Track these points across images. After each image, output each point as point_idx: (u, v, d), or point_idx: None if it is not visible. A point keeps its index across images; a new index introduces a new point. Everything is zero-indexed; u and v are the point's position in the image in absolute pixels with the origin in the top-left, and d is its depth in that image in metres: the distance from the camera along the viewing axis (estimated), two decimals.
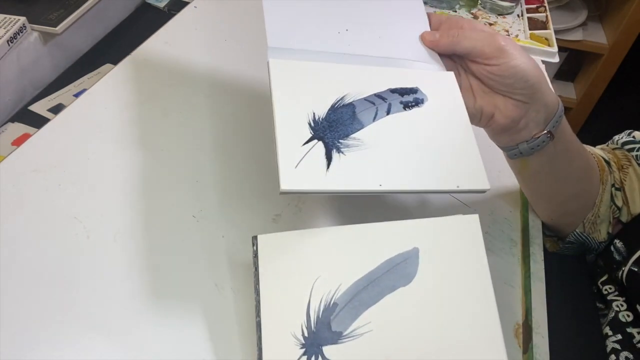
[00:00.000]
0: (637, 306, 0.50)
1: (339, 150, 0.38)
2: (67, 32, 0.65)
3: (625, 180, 0.54)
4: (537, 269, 0.53)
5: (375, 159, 0.38)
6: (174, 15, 0.72)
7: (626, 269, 0.51)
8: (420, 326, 0.36)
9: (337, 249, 0.38)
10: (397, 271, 0.37)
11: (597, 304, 0.56)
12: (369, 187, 0.37)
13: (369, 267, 0.37)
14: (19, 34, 0.61)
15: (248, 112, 0.61)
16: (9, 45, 0.60)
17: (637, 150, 0.55)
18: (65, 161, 0.54)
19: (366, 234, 0.38)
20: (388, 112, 0.41)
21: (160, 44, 0.67)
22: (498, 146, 0.49)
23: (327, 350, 0.35)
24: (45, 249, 0.47)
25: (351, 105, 0.41)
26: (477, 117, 0.45)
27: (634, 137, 0.56)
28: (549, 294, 0.51)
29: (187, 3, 0.76)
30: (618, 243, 0.54)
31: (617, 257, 0.54)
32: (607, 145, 0.59)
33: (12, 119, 0.62)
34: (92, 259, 0.47)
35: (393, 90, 0.42)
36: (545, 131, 0.45)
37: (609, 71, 1.43)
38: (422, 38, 0.47)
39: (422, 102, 0.42)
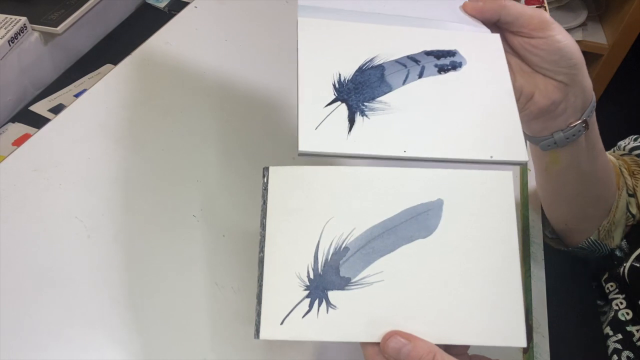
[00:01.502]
0: (639, 302, 0.50)
1: (362, 113, 0.36)
2: (67, 32, 0.65)
3: (637, 187, 0.54)
4: (537, 268, 0.53)
5: (402, 123, 0.36)
6: (174, 15, 0.72)
7: (628, 264, 0.51)
8: (434, 282, 0.34)
9: (355, 190, 0.35)
10: (417, 222, 0.35)
11: (598, 301, 0.56)
12: (392, 153, 0.35)
13: (387, 213, 0.35)
14: (19, 34, 0.61)
15: (248, 111, 0.61)
16: (9, 45, 0.60)
17: None
18: (65, 161, 0.54)
19: (388, 178, 0.35)
20: (420, 76, 0.38)
21: (160, 44, 0.67)
22: (529, 137, 0.47)
23: (333, 295, 0.34)
24: (45, 249, 0.47)
25: (380, 67, 0.39)
26: (515, 98, 0.44)
27: None
28: (549, 294, 0.51)
29: (187, 3, 0.76)
30: (621, 242, 0.54)
31: (618, 253, 0.54)
32: (614, 152, 0.59)
33: (13, 119, 0.62)
34: (92, 259, 0.47)
35: (428, 53, 0.40)
36: (581, 120, 0.43)
37: (609, 71, 1.43)
38: (465, 7, 0.44)
39: (460, 66, 0.39)
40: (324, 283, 0.34)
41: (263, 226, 0.35)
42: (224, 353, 0.43)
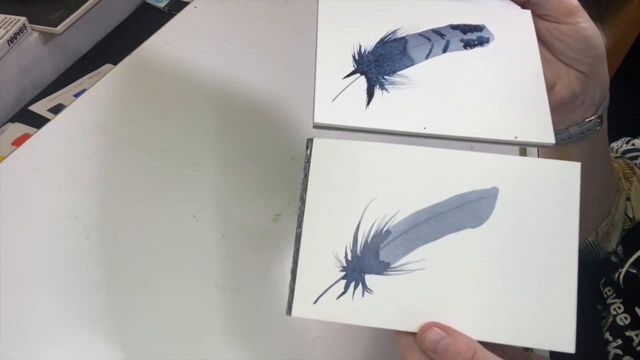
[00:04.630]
0: (636, 309, 0.50)
1: (382, 87, 0.35)
2: (67, 32, 0.65)
3: (630, 190, 0.54)
4: None
5: (422, 99, 0.35)
6: (174, 15, 0.72)
7: (623, 270, 0.51)
8: (480, 275, 0.32)
9: (403, 170, 0.33)
10: (468, 210, 0.32)
11: (597, 306, 0.56)
12: (410, 129, 0.34)
13: (436, 198, 0.32)
14: (19, 34, 0.61)
15: (248, 111, 0.61)
16: (9, 45, 0.60)
17: None
18: (65, 161, 0.54)
19: (440, 161, 0.33)
20: (445, 50, 0.37)
21: (160, 44, 0.67)
22: None
23: (370, 279, 0.32)
24: (44, 249, 0.47)
25: (403, 39, 0.37)
26: None
27: (633, 144, 0.56)
28: None
29: (187, 3, 0.76)
30: (617, 247, 0.54)
31: (614, 259, 0.54)
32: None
33: (12, 119, 0.62)
34: (92, 259, 0.47)
35: (454, 27, 0.38)
36: (596, 115, 0.42)
37: (609, 71, 1.43)
38: None
39: (487, 42, 0.38)
40: (361, 266, 0.32)
41: (303, 201, 0.33)
42: (223, 353, 0.43)
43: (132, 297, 0.45)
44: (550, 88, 0.41)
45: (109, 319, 0.43)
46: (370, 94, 0.35)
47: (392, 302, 0.32)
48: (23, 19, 0.62)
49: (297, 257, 0.32)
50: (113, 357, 0.41)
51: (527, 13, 0.39)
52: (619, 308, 0.52)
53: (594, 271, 0.58)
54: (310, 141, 0.34)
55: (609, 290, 0.54)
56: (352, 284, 0.32)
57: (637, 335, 0.49)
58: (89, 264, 0.46)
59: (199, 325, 0.44)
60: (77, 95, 0.63)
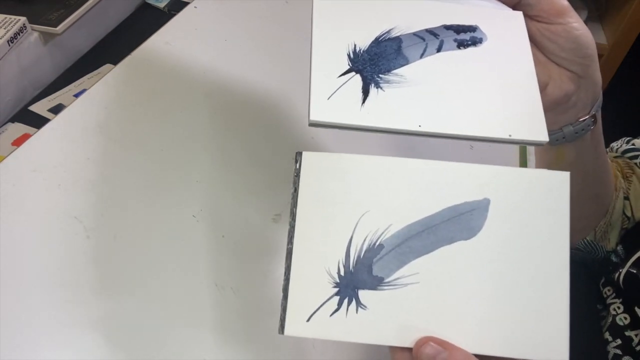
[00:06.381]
0: (636, 309, 0.50)
1: (377, 85, 0.35)
2: (67, 32, 0.65)
3: (629, 189, 0.54)
4: None
5: (418, 97, 0.35)
6: (174, 15, 0.72)
7: (624, 270, 0.51)
8: (474, 287, 0.32)
9: (395, 183, 0.33)
10: (460, 222, 0.32)
11: (597, 305, 0.56)
12: (406, 127, 0.34)
13: (427, 211, 0.32)
14: (19, 34, 0.61)
15: (248, 111, 0.61)
16: (9, 45, 0.60)
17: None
18: (65, 161, 0.54)
19: (431, 173, 0.33)
20: (439, 50, 0.37)
21: (160, 44, 0.67)
22: None
23: (363, 294, 0.32)
24: (44, 249, 0.47)
25: (397, 39, 0.37)
26: None
27: (633, 144, 0.56)
28: None
29: (187, 3, 0.76)
30: (617, 246, 0.54)
31: (614, 259, 0.54)
32: (607, 154, 0.59)
33: (12, 119, 0.62)
34: (92, 259, 0.47)
35: (448, 27, 0.39)
36: (590, 114, 0.43)
37: (609, 71, 1.43)
38: None
39: (480, 42, 0.38)
40: (354, 281, 0.32)
41: (293, 216, 0.33)
42: (223, 353, 0.43)
43: (132, 297, 0.45)
44: (542, 89, 0.41)
45: (109, 318, 0.43)
46: (365, 92, 0.35)
47: (387, 318, 0.31)
48: (23, 19, 0.62)
49: (289, 273, 0.32)
50: (113, 357, 0.41)
51: (519, 14, 0.40)
52: (619, 308, 0.52)
53: (593, 271, 0.58)
54: (299, 154, 0.33)
55: (608, 290, 0.54)
56: (346, 300, 0.32)
57: (636, 335, 0.49)
58: (89, 264, 0.46)
59: (198, 325, 0.44)
60: (77, 95, 0.63)
